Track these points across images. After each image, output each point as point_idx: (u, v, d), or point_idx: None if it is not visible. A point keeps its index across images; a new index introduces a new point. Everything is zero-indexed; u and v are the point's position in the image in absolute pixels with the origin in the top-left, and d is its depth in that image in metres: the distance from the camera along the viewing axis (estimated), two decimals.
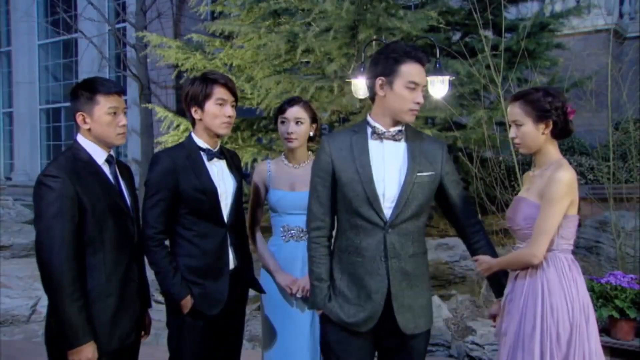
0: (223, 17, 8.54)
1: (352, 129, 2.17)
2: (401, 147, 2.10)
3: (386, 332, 2.10)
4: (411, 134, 2.14)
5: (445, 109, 5.99)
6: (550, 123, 2.14)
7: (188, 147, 2.42)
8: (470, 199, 2.49)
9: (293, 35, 6.57)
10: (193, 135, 2.44)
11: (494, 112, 6.21)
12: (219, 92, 2.36)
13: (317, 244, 2.16)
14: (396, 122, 2.09)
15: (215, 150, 2.45)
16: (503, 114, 5.27)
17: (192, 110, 2.39)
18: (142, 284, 2.33)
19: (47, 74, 17.76)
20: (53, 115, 17.62)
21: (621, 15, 10.79)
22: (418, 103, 2.05)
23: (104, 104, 2.14)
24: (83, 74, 15.35)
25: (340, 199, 2.10)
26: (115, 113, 2.17)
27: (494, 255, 2.26)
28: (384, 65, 2.07)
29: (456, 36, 7.82)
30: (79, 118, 2.16)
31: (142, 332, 2.41)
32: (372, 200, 2.03)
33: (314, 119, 2.74)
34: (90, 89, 2.15)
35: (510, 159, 5.36)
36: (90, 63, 14.58)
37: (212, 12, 9.87)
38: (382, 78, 2.07)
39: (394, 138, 2.09)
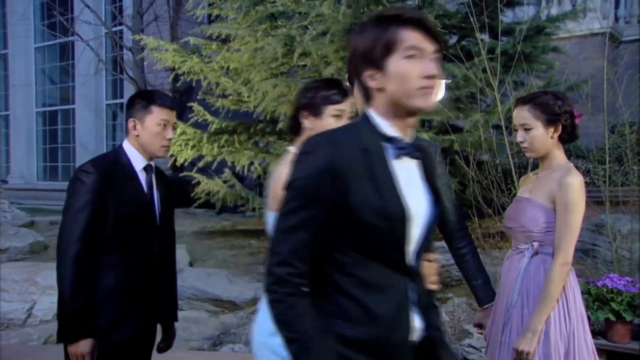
0: (220, 20, 8.55)
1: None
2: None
3: None
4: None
5: (442, 112, 5.99)
6: (560, 127, 2.15)
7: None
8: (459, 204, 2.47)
9: (290, 38, 6.58)
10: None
11: (490, 116, 6.21)
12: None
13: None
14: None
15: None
16: (499, 117, 5.28)
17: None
18: (162, 296, 2.32)
19: (44, 77, 17.73)
20: (49, 118, 17.58)
21: (617, 19, 10.83)
22: None
23: (156, 115, 2.22)
24: (79, 77, 15.35)
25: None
26: (165, 125, 2.24)
27: (478, 261, 2.25)
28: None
29: (453, 39, 7.83)
30: (130, 124, 2.24)
31: (159, 344, 2.43)
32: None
33: None
34: (148, 98, 2.25)
35: (507, 162, 5.36)
36: (87, 66, 14.57)
37: (209, 16, 9.88)
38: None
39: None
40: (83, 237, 2.04)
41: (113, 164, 2.19)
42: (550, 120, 2.13)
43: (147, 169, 2.27)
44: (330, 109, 1.91)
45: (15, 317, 5.01)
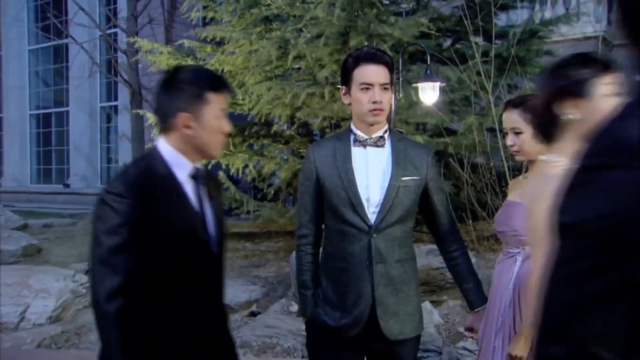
0: (215, 23, 8.55)
1: (336, 136, 2.19)
2: (385, 153, 2.11)
3: (372, 338, 2.10)
4: (397, 139, 2.15)
5: (436, 115, 6.01)
6: None
7: None
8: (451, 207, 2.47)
9: (284, 41, 6.59)
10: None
11: (484, 118, 6.24)
12: None
13: (303, 252, 2.17)
14: (371, 126, 2.10)
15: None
16: (494, 120, 5.30)
17: None
18: (217, 339, 1.76)
19: (38, 79, 17.69)
20: (43, 120, 17.53)
21: (609, 23, 10.88)
22: (375, 102, 2.04)
23: (215, 104, 1.64)
24: (73, 80, 15.32)
25: (327, 206, 2.11)
26: (223, 117, 1.69)
27: (469, 264, 2.25)
28: (343, 74, 2.12)
29: (447, 43, 7.86)
30: (180, 119, 1.61)
31: None
32: (356, 205, 2.04)
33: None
34: (199, 83, 1.63)
35: (501, 164, 5.38)
36: (81, 68, 14.54)
37: (204, 18, 9.87)
38: (344, 87, 2.11)
39: (376, 144, 2.10)
40: (124, 287, 1.51)
41: (148, 177, 1.62)
42: None
43: (195, 176, 1.68)
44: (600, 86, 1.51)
45: (8, 321, 4.98)
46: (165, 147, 1.66)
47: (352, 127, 2.14)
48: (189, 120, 1.61)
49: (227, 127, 1.69)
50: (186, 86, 1.62)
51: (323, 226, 2.19)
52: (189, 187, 1.66)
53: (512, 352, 2.07)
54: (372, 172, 2.08)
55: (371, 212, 2.05)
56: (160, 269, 1.59)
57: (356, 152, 2.10)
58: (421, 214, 2.22)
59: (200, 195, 1.69)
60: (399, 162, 2.08)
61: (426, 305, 4.83)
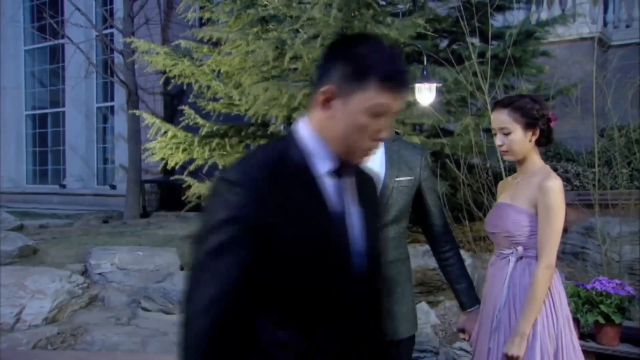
0: (211, 23, 8.54)
1: None
2: (378, 153, 2.11)
3: None
4: (390, 140, 2.15)
5: (433, 116, 6.02)
6: (538, 131, 2.18)
7: None
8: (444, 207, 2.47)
9: (281, 42, 6.58)
10: None
11: (481, 119, 6.24)
12: None
13: None
14: None
15: None
16: (490, 121, 5.31)
17: None
18: None
19: (34, 80, 17.64)
20: (39, 121, 17.48)
21: (605, 24, 10.91)
22: None
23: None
24: (70, 80, 15.28)
25: None
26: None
27: (461, 265, 2.25)
28: None
29: (443, 43, 7.87)
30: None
31: None
32: None
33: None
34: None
35: (497, 165, 5.39)
36: (77, 69, 14.50)
37: (200, 19, 9.87)
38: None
39: None
40: (225, 298, 1.14)
41: (276, 165, 1.23)
42: (529, 123, 2.16)
43: (338, 172, 1.30)
44: None
45: (4, 322, 4.96)
46: (307, 131, 1.28)
47: None
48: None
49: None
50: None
51: None
52: (328, 184, 1.26)
53: (508, 352, 2.08)
54: None
55: None
56: (277, 285, 1.19)
57: None
58: (414, 214, 2.22)
59: (343, 197, 1.29)
60: (392, 163, 2.09)
61: (423, 305, 4.83)
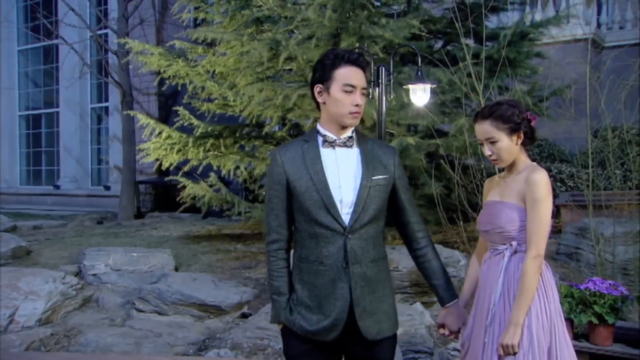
0: (206, 24, 8.52)
1: (303, 138, 2.17)
2: (354, 153, 2.12)
3: (351, 340, 2.09)
4: (361, 139, 2.16)
5: (427, 117, 6.03)
6: (522, 134, 2.26)
7: None
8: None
9: (276, 42, 6.58)
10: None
11: None
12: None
13: (275, 257, 2.15)
14: (343, 127, 2.11)
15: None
16: None
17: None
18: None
19: (27, 80, 17.58)
20: (33, 121, 17.42)
21: (599, 25, 10.97)
22: (357, 105, 2.06)
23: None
24: (64, 80, 15.24)
25: (298, 209, 2.10)
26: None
27: (438, 261, 2.26)
28: (320, 72, 2.10)
29: (438, 44, 7.88)
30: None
31: None
32: (330, 207, 2.03)
33: None
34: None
35: (492, 166, 5.40)
36: (72, 69, 14.47)
37: (195, 19, 9.85)
38: (320, 85, 2.09)
39: (345, 145, 2.11)
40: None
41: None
42: (513, 129, 2.23)
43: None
44: None
45: None
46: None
47: (320, 128, 2.14)
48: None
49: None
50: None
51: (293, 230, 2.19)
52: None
53: (503, 341, 2.11)
54: (343, 173, 2.08)
55: (345, 213, 2.05)
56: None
57: (325, 153, 2.10)
58: (389, 212, 2.23)
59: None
60: (368, 162, 2.10)
61: (417, 306, 4.84)
